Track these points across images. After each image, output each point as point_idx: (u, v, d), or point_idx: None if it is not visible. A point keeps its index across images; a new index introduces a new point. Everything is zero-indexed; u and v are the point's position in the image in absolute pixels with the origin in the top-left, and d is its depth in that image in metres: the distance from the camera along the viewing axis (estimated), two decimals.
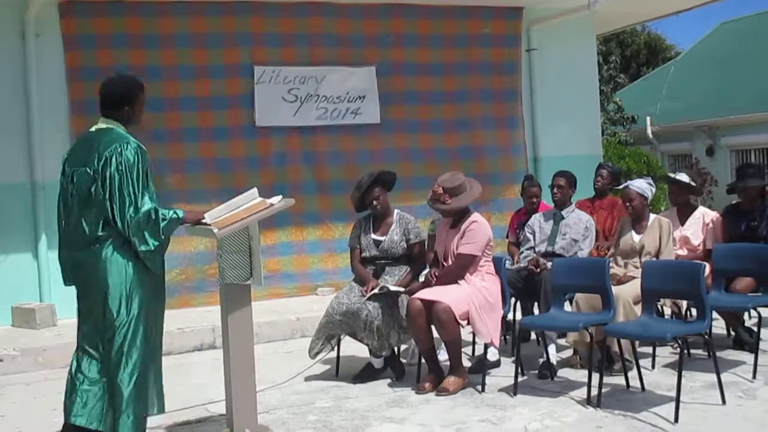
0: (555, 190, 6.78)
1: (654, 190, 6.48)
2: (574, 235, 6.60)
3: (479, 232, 5.93)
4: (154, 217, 4.31)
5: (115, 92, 4.52)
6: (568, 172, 6.92)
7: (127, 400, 4.31)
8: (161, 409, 4.60)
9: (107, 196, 4.27)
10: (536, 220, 6.88)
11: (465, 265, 5.90)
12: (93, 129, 4.52)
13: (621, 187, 6.64)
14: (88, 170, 4.34)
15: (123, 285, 4.31)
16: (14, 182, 8.32)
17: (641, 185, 6.39)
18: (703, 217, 6.95)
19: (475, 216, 6.02)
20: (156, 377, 4.55)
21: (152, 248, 4.33)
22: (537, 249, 6.70)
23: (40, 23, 8.41)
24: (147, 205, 4.31)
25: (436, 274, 5.95)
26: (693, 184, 6.99)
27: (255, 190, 4.80)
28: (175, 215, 4.40)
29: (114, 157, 4.29)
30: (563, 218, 6.70)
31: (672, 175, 7.20)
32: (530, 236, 6.80)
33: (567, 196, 6.76)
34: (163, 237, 4.37)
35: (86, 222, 4.35)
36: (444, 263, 6.05)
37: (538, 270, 6.38)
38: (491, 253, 6.06)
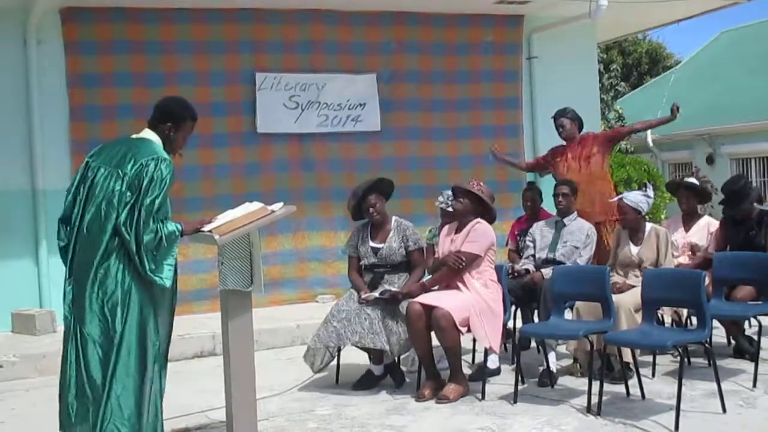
0: (559, 198, 6.76)
1: (651, 201, 6.35)
2: (575, 243, 6.59)
3: (483, 232, 5.95)
4: (162, 237, 4.16)
5: (166, 106, 4.43)
6: (571, 180, 6.92)
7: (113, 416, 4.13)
8: None
9: (131, 202, 4.10)
10: (538, 228, 6.87)
11: (467, 262, 5.88)
12: (133, 136, 4.40)
13: (615, 199, 6.58)
14: (119, 171, 4.16)
15: (119, 295, 4.12)
16: (15, 188, 8.31)
17: (636, 198, 6.28)
18: (708, 226, 6.96)
19: (480, 220, 6.04)
20: (155, 400, 4.38)
21: (155, 267, 4.17)
22: (537, 256, 6.70)
23: (42, 30, 8.43)
24: (167, 225, 4.18)
25: (462, 257, 5.86)
26: (706, 188, 7.01)
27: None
28: (175, 230, 4.26)
29: (150, 166, 4.15)
30: (565, 225, 6.71)
31: (689, 179, 7.12)
32: (530, 244, 6.81)
33: (571, 204, 6.76)
34: (167, 253, 4.22)
35: (97, 224, 4.14)
36: None
37: (528, 277, 6.50)
38: (494, 259, 6.05)
